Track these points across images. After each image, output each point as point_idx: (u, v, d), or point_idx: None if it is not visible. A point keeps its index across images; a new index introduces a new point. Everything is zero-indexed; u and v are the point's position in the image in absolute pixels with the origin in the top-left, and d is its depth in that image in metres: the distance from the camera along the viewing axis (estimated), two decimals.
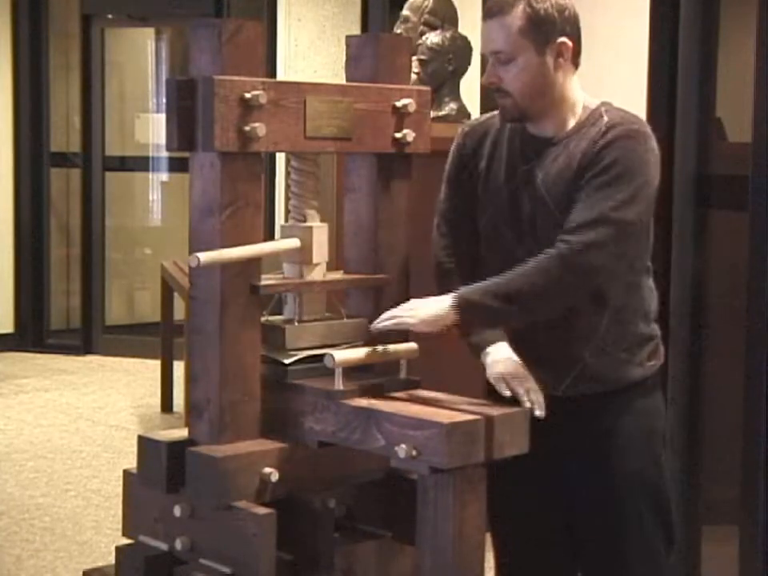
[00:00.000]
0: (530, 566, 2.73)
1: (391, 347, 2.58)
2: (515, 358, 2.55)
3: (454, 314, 2.44)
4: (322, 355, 2.53)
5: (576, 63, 2.57)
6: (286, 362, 2.58)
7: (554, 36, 2.51)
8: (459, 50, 4.70)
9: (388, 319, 2.51)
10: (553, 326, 2.56)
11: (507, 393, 2.50)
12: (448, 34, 4.67)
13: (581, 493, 2.65)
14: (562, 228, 2.47)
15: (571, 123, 2.57)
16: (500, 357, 2.56)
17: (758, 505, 3.37)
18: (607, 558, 2.66)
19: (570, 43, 2.53)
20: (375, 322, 2.55)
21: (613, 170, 2.46)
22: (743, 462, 3.44)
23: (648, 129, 2.54)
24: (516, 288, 2.43)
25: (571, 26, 2.53)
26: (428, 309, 2.47)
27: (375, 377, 2.59)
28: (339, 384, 2.48)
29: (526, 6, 2.48)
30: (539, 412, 2.45)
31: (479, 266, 2.68)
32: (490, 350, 2.58)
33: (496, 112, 2.67)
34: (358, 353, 2.56)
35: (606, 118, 2.54)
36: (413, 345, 2.54)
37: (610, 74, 4.05)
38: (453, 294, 2.46)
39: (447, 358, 3.06)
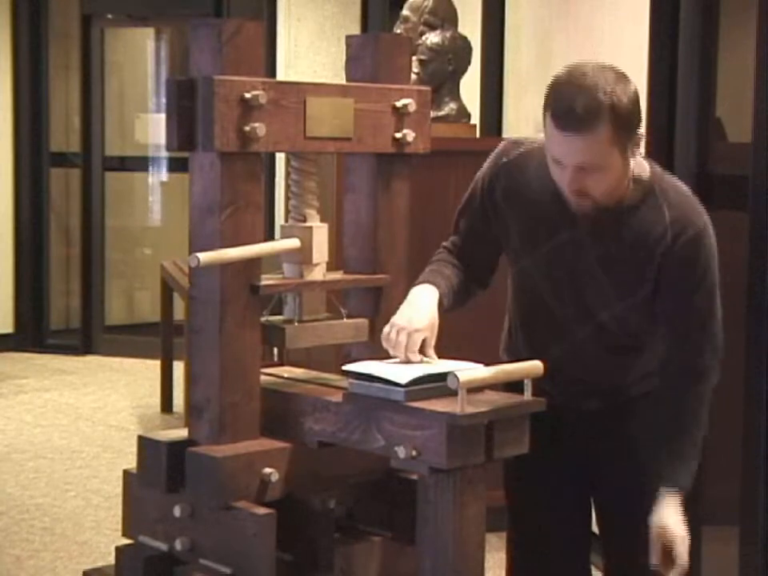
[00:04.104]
0: (547, 562, 2.73)
1: (516, 366, 2.46)
2: (421, 308, 2.49)
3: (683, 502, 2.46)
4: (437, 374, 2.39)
5: None
6: (403, 382, 2.38)
7: (634, 133, 2.36)
8: (459, 50, 4.69)
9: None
10: (596, 362, 2.57)
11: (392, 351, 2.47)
12: (448, 34, 4.67)
13: (608, 489, 2.67)
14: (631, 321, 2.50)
15: (624, 195, 2.45)
16: (407, 306, 2.51)
17: (757, 505, 3.37)
18: (630, 558, 2.66)
19: (643, 133, 2.42)
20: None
21: (704, 282, 2.45)
22: (743, 462, 3.44)
23: (706, 215, 2.49)
24: (698, 439, 2.51)
25: (640, 112, 2.38)
26: (682, 523, 2.43)
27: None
28: (463, 407, 2.29)
29: (609, 113, 2.28)
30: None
31: (514, 311, 2.68)
32: (411, 292, 2.55)
33: (536, 142, 2.54)
34: (482, 372, 2.38)
35: (666, 212, 2.45)
36: (537, 363, 2.42)
37: None
38: (675, 492, 2.45)
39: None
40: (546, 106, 2.35)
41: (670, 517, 2.42)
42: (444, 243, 2.74)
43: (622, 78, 2.35)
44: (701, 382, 2.50)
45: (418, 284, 2.57)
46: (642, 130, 2.42)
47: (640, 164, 2.49)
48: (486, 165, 2.63)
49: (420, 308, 2.49)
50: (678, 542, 2.40)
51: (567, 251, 2.51)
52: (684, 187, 2.54)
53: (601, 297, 2.51)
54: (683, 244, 2.43)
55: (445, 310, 2.55)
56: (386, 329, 2.48)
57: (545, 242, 2.53)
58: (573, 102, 2.29)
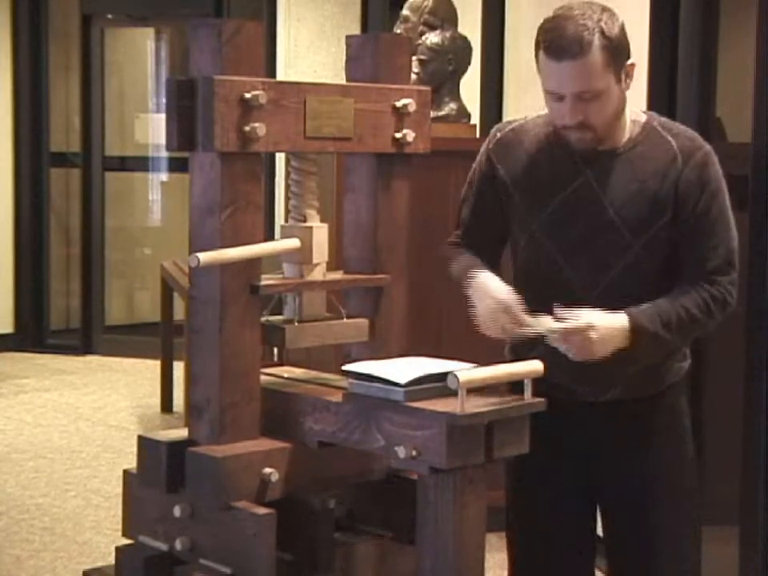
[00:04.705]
0: (548, 563, 2.73)
1: (516, 366, 2.45)
2: (498, 288, 2.51)
3: (629, 339, 2.44)
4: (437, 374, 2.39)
5: None
6: (402, 382, 2.37)
7: (625, 60, 2.47)
8: (459, 50, 4.70)
9: (573, 332, 2.40)
10: None
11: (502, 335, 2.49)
12: (448, 34, 4.67)
13: (614, 490, 2.66)
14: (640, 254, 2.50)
15: (623, 135, 2.54)
16: (480, 297, 2.52)
17: (757, 505, 3.37)
18: (638, 557, 2.66)
19: (634, 63, 2.49)
20: (559, 327, 2.40)
21: (716, 201, 2.52)
22: (743, 462, 3.44)
23: (704, 141, 2.57)
24: (684, 325, 2.49)
25: (629, 44, 2.49)
26: (610, 333, 2.42)
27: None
28: (463, 407, 2.29)
29: (600, 37, 2.39)
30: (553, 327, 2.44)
31: (517, 278, 2.67)
32: (475, 283, 2.55)
33: (529, 117, 2.65)
34: (482, 372, 2.38)
35: (672, 141, 2.53)
36: (538, 364, 2.43)
37: None
38: (630, 320, 2.44)
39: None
40: (538, 44, 2.45)
41: (600, 318, 2.41)
42: (449, 239, 2.75)
43: (607, 9, 2.46)
44: (714, 286, 2.51)
45: (466, 279, 2.57)
46: (633, 61, 2.49)
47: (634, 110, 2.58)
48: (481, 149, 2.70)
49: (489, 287, 2.51)
50: (587, 329, 2.39)
51: (576, 203, 2.54)
52: (680, 124, 2.63)
53: (614, 244, 2.52)
54: (694, 166, 2.51)
55: None
56: (481, 324, 2.49)
57: (552, 199, 2.56)
58: (563, 31, 2.41)
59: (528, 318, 2.46)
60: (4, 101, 8.51)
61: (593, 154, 2.52)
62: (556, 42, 2.41)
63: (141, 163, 9.24)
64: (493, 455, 2.37)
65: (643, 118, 2.59)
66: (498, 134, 2.66)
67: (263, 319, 2.63)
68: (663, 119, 2.61)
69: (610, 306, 2.51)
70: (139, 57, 9.42)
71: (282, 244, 2.64)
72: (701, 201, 2.51)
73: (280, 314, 2.73)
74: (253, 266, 2.54)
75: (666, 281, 2.56)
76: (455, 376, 2.28)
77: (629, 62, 2.48)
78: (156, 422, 6.61)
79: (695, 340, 2.69)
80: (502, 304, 2.47)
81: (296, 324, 2.66)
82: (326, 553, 2.55)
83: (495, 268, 2.71)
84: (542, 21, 2.49)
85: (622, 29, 2.45)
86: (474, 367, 2.42)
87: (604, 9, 2.45)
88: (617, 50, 2.42)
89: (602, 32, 2.40)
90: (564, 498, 2.68)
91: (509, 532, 2.77)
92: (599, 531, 2.77)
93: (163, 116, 2.54)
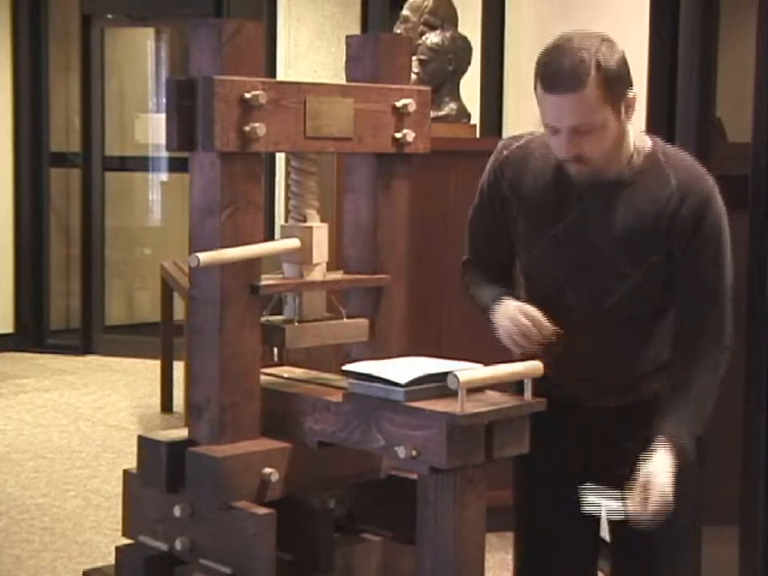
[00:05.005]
0: (549, 564, 2.73)
1: (516, 366, 2.45)
2: (516, 306, 2.51)
3: (678, 461, 2.44)
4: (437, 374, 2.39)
5: None
6: (402, 382, 2.38)
7: (625, 92, 2.40)
8: (459, 50, 4.70)
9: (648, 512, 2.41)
10: (604, 355, 2.56)
11: (517, 350, 2.49)
12: (448, 34, 4.67)
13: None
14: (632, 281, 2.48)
15: (624, 166, 2.49)
16: (502, 315, 2.53)
17: (757, 505, 3.37)
18: (638, 557, 2.66)
19: (635, 95, 2.44)
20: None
21: (711, 240, 2.47)
22: (743, 462, 3.44)
23: (711, 178, 2.51)
24: (707, 402, 2.50)
25: (629, 73, 2.43)
26: (667, 474, 2.42)
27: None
28: (463, 407, 2.29)
29: (596, 70, 2.33)
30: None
31: (527, 293, 2.66)
32: (495, 307, 2.56)
33: (534, 134, 2.61)
34: (482, 372, 2.38)
35: (672, 176, 2.48)
36: (537, 363, 2.43)
37: None
38: (673, 451, 2.44)
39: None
40: (536, 75, 2.41)
41: (656, 467, 2.41)
42: (464, 258, 2.74)
43: (607, 41, 2.40)
44: (711, 341, 2.50)
45: (489, 308, 2.57)
46: (635, 92, 2.44)
47: (639, 136, 2.53)
48: (488, 165, 2.66)
49: (510, 303, 2.51)
50: (656, 492, 2.39)
51: (576, 230, 2.52)
52: (687, 155, 2.57)
53: (614, 273, 2.50)
54: (690, 207, 2.46)
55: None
56: (503, 337, 2.49)
57: (553, 225, 2.54)
58: (560, 64, 2.36)
59: (546, 326, 2.47)
60: (4, 101, 8.51)
61: (594, 184, 2.49)
62: (552, 75, 2.36)
63: (141, 163, 9.24)
64: (493, 455, 2.37)
65: (648, 144, 2.52)
66: (505, 152, 2.61)
67: (263, 319, 2.63)
68: (668, 148, 2.55)
69: (615, 322, 2.53)
70: (139, 57, 9.42)
71: (282, 244, 2.65)
72: (694, 239, 2.46)
73: (280, 314, 2.73)
74: (253, 265, 2.54)
75: (670, 293, 2.55)
76: (455, 376, 2.28)
77: (630, 93, 2.41)
78: (156, 421, 6.61)
79: None
80: (521, 309, 2.47)
81: (296, 324, 2.66)
82: (326, 553, 2.56)
83: (514, 288, 2.70)
84: (540, 48, 2.43)
85: (621, 60, 2.39)
86: (474, 367, 2.42)
87: (603, 39, 2.39)
88: (614, 82, 2.36)
89: (598, 64, 2.34)
90: (565, 498, 2.68)
91: (515, 532, 2.77)
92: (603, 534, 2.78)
93: (163, 116, 2.54)
